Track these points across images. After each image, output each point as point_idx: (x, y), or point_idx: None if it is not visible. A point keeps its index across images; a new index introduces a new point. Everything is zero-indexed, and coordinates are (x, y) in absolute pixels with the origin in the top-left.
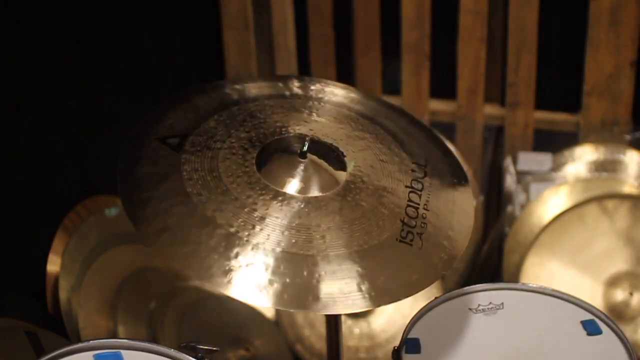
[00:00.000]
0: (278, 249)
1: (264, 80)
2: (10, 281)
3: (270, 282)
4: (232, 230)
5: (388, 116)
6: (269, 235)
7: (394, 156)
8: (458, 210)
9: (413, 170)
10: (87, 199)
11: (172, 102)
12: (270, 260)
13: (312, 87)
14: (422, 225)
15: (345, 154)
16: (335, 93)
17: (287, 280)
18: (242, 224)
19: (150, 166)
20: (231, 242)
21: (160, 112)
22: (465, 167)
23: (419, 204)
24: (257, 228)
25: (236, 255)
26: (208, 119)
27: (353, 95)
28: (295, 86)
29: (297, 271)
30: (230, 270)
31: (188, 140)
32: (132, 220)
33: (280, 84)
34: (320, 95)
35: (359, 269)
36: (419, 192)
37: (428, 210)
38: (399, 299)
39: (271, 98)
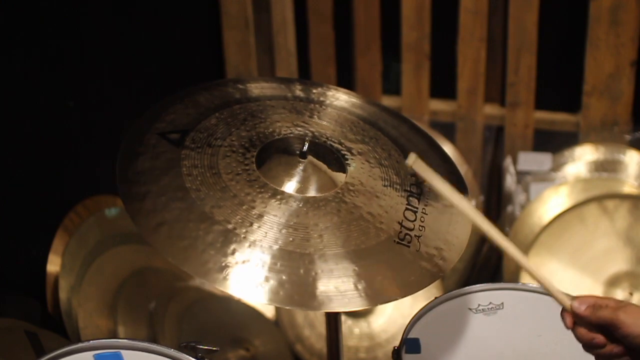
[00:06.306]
0: (275, 247)
1: (266, 81)
2: (10, 281)
3: (267, 279)
4: (230, 226)
5: (389, 122)
6: (266, 232)
7: (394, 160)
8: (457, 214)
9: (412, 175)
10: (87, 199)
11: (174, 99)
12: (267, 257)
13: (314, 91)
14: (421, 228)
15: (345, 156)
16: (337, 97)
17: (284, 277)
18: (240, 221)
19: (150, 160)
20: (228, 238)
21: (162, 108)
22: (465, 167)
23: (417, 208)
24: (255, 225)
25: (233, 252)
26: (209, 116)
27: (354, 100)
28: (298, 89)
29: (293, 269)
30: (226, 267)
31: (189, 136)
32: (130, 214)
33: (283, 86)
34: (322, 99)
35: (356, 268)
36: (417, 197)
37: (427, 214)
38: (396, 299)
39: (273, 99)
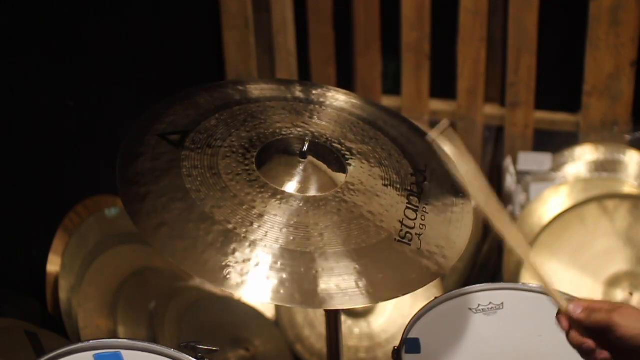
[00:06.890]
0: (276, 246)
1: (266, 83)
2: (10, 281)
3: (268, 278)
4: (230, 226)
5: (388, 122)
6: (267, 232)
7: (394, 160)
8: (457, 212)
9: (412, 175)
10: (87, 199)
11: (174, 100)
12: (268, 257)
13: (314, 92)
14: (421, 226)
15: (345, 156)
16: (337, 98)
17: (284, 276)
18: (240, 220)
19: (150, 161)
20: (229, 238)
21: (162, 109)
22: None
23: (417, 207)
24: (255, 225)
25: (233, 252)
26: (209, 117)
27: (354, 100)
28: (298, 90)
29: (294, 267)
30: (227, 266)
31: (189, 137)
32: (130, 214)
33: (283, 87)
34: (321, 100)
35: (357, 266)
36: (418, 196)
37: (427, 213)
38: (397, 296)
39: (273, 100)
